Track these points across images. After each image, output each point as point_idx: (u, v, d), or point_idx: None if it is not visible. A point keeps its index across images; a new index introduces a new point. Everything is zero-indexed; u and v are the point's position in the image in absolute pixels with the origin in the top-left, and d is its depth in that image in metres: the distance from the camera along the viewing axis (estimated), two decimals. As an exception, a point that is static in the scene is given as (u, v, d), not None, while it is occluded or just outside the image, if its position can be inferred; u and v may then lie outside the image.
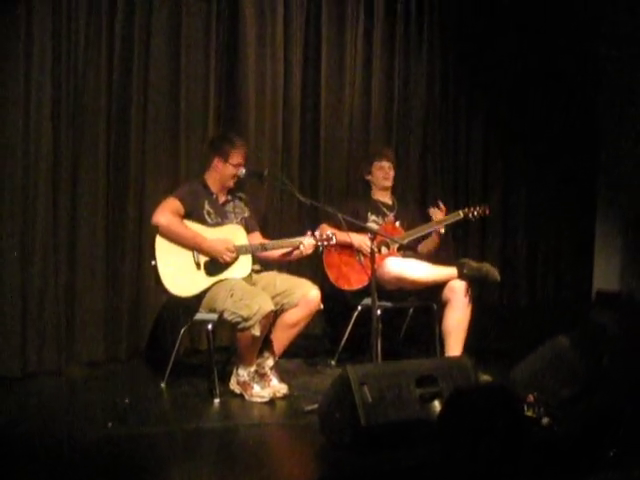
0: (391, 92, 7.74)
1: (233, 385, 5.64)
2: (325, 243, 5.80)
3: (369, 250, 5.70)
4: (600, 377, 4.91)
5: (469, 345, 6.16)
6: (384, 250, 6.45)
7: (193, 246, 5.62)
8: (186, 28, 6.57)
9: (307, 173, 7.37)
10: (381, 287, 6.02)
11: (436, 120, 8.04)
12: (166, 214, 5.60)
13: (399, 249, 6.47)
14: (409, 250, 6.54)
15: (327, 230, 5.94)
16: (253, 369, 5.58)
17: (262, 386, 5.54)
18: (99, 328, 6.28)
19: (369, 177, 6.79)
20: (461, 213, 6.59)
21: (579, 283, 9.03)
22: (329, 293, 6.30)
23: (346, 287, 6.45)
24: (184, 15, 6.55)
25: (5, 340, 5.79)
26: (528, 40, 8.48)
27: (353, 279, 6.43)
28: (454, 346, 6.12)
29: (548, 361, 5.07)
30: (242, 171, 5.86)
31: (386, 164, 6.73)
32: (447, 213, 6.59)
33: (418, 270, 6.24)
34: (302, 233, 5.84)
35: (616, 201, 8.97)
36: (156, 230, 5.61)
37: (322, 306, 5.79)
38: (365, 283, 6.25)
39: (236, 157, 5.85)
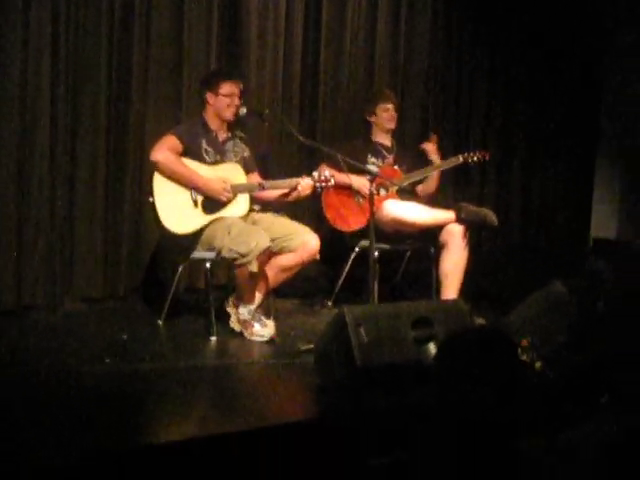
0: (395, 37, 7.73)
1: (233, 323, 5.67)
2: (323, 184, 5.79)
3: (368, 192, 5.71)
4: (594, 323, 4.94)
5: (465, 289, 6.20)
6: (383, 192, 6.45)
7: (190, 184, 5.63)
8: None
9: (307, 114, 7.35)
10: (379, 229, 6.03)
11: (439, 66, 8.02)
12: (164, 151, 5.59)
13: (398, 192, 6.48)
14: (408, 193, 6.55)
15: (326, 171, 5.93)
16: (254, 307, 5.60)
17: (262, 324, 5.57)
18: (98, 264, 6.27)
19: (372, 118, 6.77)
20: (460, 157, 6.61)
21: (576, 230, 9.06)
22: (326, 234, 6.32)
23: (344, 228, 6.48)
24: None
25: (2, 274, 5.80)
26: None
27: (351, 220, 6.45)
28: (450, 289, 6.17)
29: (543, 306, 5.09)
30: (243, 110, 5.84)
31: (391, 106, 6.71)
32: (438, 143, 6.66)
33: (416, 213, 6.26)
34: (301, 174, 5.84)
35: (616, 148, 8.98)
36: (154, 167, 5.61)
37: (318, 257, 5.81)
38: (363, 225, 6.27)
39: (226, 87, 5.80)
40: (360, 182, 6.30)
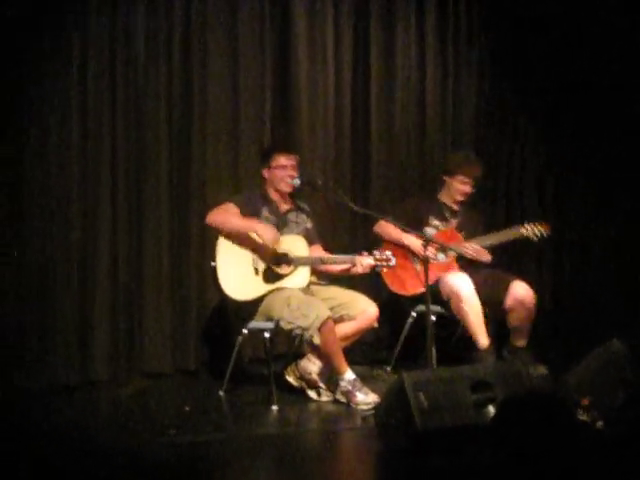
0: (444, 99, 7.70)
1: (338, 395, 5.66)
2: (384, 264, 5.80)
3: (422, 254, 5.76)
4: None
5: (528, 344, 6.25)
6: (441, 257, 6.45)
7: (247, 230, 5.69)
8: (242, 45, 6.67)
9: (359, 181, 7.36)
10: (436, 294, 6.08)
11: (489, 125, 8.01)
12: (219, 213, 5.72)
13: (457, 259, 6.47)
14: (465, 261, 6.50)
15: (387, 251, 5.94)
16: (352, 377, 5.60)
17: (364, 393, 5.56)
18: (166, 338, 6.37)
19: (447, 179, 6.61)
20: (523, 230, 6.50)
21: (635, 286, 8.96)
22: (385, 299, 6.36)
23: (402, 292, 6.45)
24: (239, 34, 6.66)
25: (68, 350, 5.94)
26: (591, 49, 8.37)
27: (408, 284, 6.40)
28: (520, 339, 6.35)
29: (603, 365, 5.07)
30: (296, 181, 5.90)
31: (469, 181, 6.55)
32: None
33: (475, 304, 6.26)
34: (355, 244, 5.89)
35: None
36: (211, 229, 5.73)
37: (377, 324, 5.86)
38: (420, 290, 6.18)
39: (277, 160, 5.89)
40: (417, 245, 6.27)
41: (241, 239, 5.73)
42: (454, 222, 6.62)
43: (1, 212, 5.80)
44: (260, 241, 5.69)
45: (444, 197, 6.65)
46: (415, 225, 6.27)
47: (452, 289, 6.23)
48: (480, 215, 6.90)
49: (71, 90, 5.95)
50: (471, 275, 6.32)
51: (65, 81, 5.93)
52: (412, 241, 6.33)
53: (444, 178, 6.63)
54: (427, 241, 5.76)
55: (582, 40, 8.21)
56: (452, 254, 6.41)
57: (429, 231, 6.43)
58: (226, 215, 5.72)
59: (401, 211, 6.51)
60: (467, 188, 6.54)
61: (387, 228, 6.39)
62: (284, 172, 5.88)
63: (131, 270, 6.25)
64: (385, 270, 6.01)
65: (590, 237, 8.64)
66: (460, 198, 6.57)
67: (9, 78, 5.72)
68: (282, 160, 5.89)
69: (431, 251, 6.12)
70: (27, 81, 5.80)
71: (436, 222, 6.58)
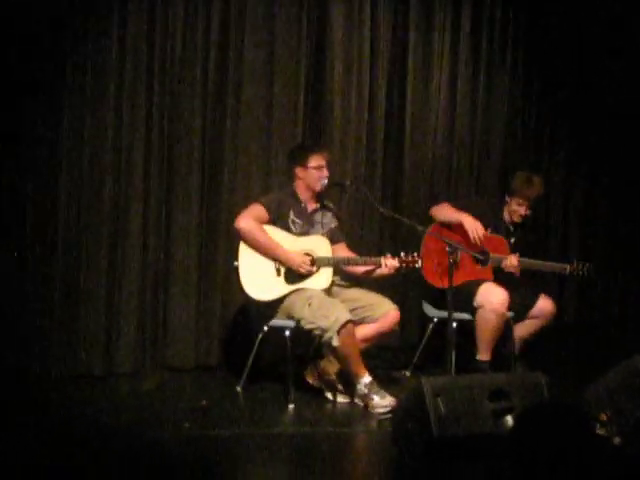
0: (474, 110, 7.71)
1: (356, 397, 5.66)
2: (410, 265, 5.80)
3: (473, 238, 6.04)
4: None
5: (543, 361, 6.20)
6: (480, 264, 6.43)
7: (270, 254, 5.70)
8: (278, 41, 6.68)
9: (390, 186, 7.36)
10: (466, 296, 6.11)
11: (517, 142, 8.00)
12: (248, 219, 5.68)
13: (494, 270, 6.40)
14: (500, 273, 6.44)
15: (415, 253, 5.88)
16: (368, 380, 5.59)
17: (381, 396, 5.56)
18: (190, 334, 6.43)
19: (508, 198, 6.59)
20: (568, 268, 6.48)
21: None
22: (408, 303, 6.36)
23: (429, 279, 6.39)
24: (276, 30, 6.67)
25: (93, 340, 6.00)
26: (620, 70, 8.35)
27: (439, 276, 6.32)
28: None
29: (623, 380, 5.03)
30: (325, 181, 5.90)
31: (525, 204, 6.50)
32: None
33: (501, 322, 6.26)
34: (381, 246, 5.88)
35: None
36: (238, 233, 5.71)
37: (398, 328, 5.85)
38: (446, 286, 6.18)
39: (315, 160, 5.87)
40: (473, 226, 6.29)
41: (263, 253, 5.74)
42: (510, 240, 6.57)
43: (36, 195, 5.85)
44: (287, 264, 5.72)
45: (505, 214, 6.62)
46: None
47: (490, 300, 6.20)
48: (536, 242, 6.92)
49: (109, 77, 5.99)
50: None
51: (103, 68, 5.97)
52: (469, 220, 6.32)
53: (506, 197, 6.61)
54: (454, 248, 5.67)
55: (617, 54, 8.19)
56: (491, 263, 6.38)
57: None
58: (255, 227, 5.68)
59: (466, 206, 6.52)
60: (522, 210, 6.51)
61: (445, 208, 6.38)
62: (321, 173, 5.87)
63: (159, 265, 6.31)
64: (417, 267, 5.90)
65: (614, 253, 8.63)
66: (516, 220, 6.56)
67: (49, 59, 5.79)
68: (320, 160, 5.88)
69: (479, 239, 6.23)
70: (67, 62, 5.86)
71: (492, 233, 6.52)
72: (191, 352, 6.44)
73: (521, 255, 6.44)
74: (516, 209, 6.52)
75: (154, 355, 6.30)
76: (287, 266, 5.71)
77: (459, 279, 6.05)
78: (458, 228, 6.39)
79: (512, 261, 6.33)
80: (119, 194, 6.07)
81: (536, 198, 6.56)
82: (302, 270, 5.68)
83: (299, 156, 5.95)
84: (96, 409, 5.32)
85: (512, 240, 6.56)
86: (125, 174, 6.09)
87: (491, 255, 6.36)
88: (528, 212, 6.54)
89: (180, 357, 6.40)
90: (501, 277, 6.40)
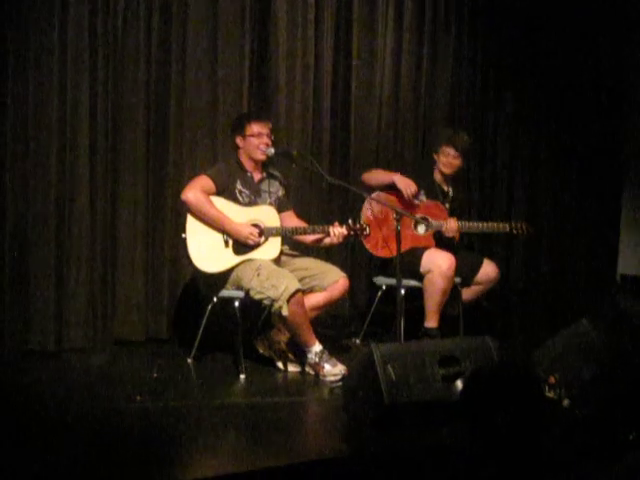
0: (419, 78, 7.77)
1: (306, 367, 5.68)
2: (358, 232, 5.82)
3: (407, 194, 6.10)
4: (622, 360, 4.94)
5: (492, 326, 6.25)
6: (421, 230, 6.45)
7: (218, 227, 5.68)
8: (222, 12, 6.62)
9: (337, 156, 7.39)
10: (412, 264, 6.13)
11: (463, 104, 8.07)
12: (195, 191, 5.65)
13: (435, 235, 6.46)
14: (442, 238, 6.49)
15: (373, 207, 5.93)
16: (319, 349, 5.61)
17: (332, 364, 5.58)
18: (139, 308, 6.39)
19: (435, 156, 6.63)
20: (507, 227, 6.52)
21: (603, 268, 9.05)
22: (356, 271, 6.38)
23: (373, 251, 6.46)
24: (220, 2, 6.61)
25: (41, 316, 5.92)
26: (560, 34, 8.47)
27: (381, 246, 6.41)
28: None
29: (570, 343, 5.10)
30: (270, 150, 5.83)
31: (452, 152, 6.52)
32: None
33: (449, 287, 6.32)
34: (329, 215, 5.88)
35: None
36: (185, 206, 5.68)
37: (347, 296, 5.87)
38: (391, 255, 6.27)
39: (253, 128, 5.81)
40: (406, 184, 6.33)
41: (211, 225, 5.72)
42: (446, 204, 6.61)
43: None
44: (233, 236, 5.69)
45: (437, 178, 6.64)
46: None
47: (437, 264, 6.25)
48: (471, 201, 6.94)
49: (53, 46, 5.87)
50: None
51: (46, 38, 5.85)
52: (400, 177, 6.36)
53: (434, 157, 6.64)
54: (400, 215, 5.69)
55: (557, 23, 8.32)
56: (431, 229, 6.41)
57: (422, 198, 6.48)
58: (202, 200, 5.63)
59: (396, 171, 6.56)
60: (450, 159, 6.53)
61: (376, 173, 6.39)
62: (258, 140, 5.82)
63: (106, 238, 6.23)
64: (366, 235, 5.92)
65: (561, 219, 8.75)
66: (447, 171, 6.57)
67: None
68: (256, 128, 5.83)
69: (418, 198, 6.27)
70: (8, 29, 5.72)
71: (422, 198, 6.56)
72: (141, 325, 6.41)
73: (459, 218, 6.50)
74: (443, 158, 6.54)
75: (104, 329, 6.23)
76: (234, 238, 5.69)
77: (401, 247, 6.07)
78: (394, 194, 6.43)
79: (451, 224, 6.37)
80: (65, 170, 5.98)
81: (463, 146, 6.55)
82: (250, 242, 5.67)
83: (238, 125, 5.91)
84: (49, 384, 5.28)
85: (447, 205, 6.60)
86: (70, 148, 5.99)
87: (430, 220, 6.39)
88: (458, 161, 6.56)
89: (130, 331, 6.36)
90: (442, 244, 6.46)
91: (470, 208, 6.87)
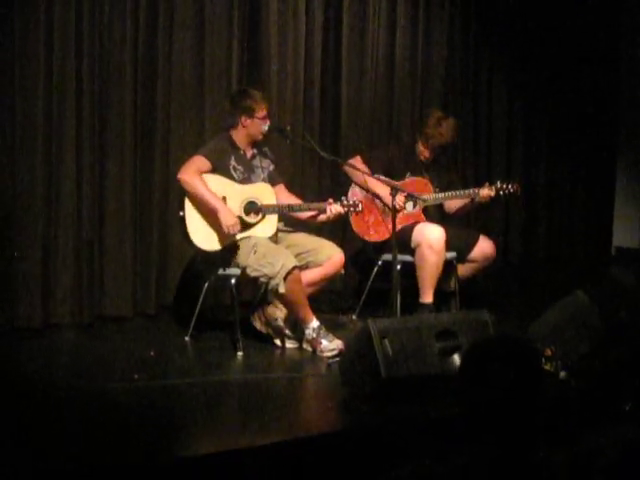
0: (414, 53, 7.78)
1: (304, 343, 5.68)
2: (352, 209, 5.84)
3: (391, 205, 5.78)
4: (618, 332, 4.95)
5: (488, 299, 6.26)
6: (410, 208, 6.45)
7: (207, 207, 5.64)
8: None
9: (328, 131, 7.39)
10: (402, 242, 6.09)
11: (458, 81, 8.08)
12: (190, 172, 5.64)
13: (424, 209, 6.47)
14: (436, 212, 6.53)
15: (354, 197, 5.95)
16: (316, 325, 5.61)
17: (329, 340, 5.58)
18: (127, 283, 6.36)
19: (417, 137, 6.62)
20: (493, 188, 6.43)
21: (599, 240, 9.08)
22: (352, 246, 6.39)
23: (365, 237, 6.48)
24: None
25: (28, 292, 5.88)
26: (555, 11, 8.48)
27: (372, 230, 6.41)
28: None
29: (566, 316, 5.12)
30: (264, 127, 5.84)
31: (428, 149, 6.53)
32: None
33: (441, 259, 6.27)
34: (323, 191, 5.88)
35: (637, 159, 8.99)
36: (180, 185, 5.67)
37: (343, 271, 5.87)
38: (382, 238, 6.35)
39: (261, 110, 5.81)
40: (386, 194, 6.14)
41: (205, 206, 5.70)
42: (427, 175, 6.58)
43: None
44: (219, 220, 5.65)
45: (420, 152, 6.59)
46: (389, 174, 6.31)
47: (426, 236, 6.22)
48: (455, 174, 6.94)
49: (38, 29, 5.83)
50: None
51: (31, 21, 5.82)
52: (381, 190, 6.28)
53: (416, 135, 6.64)
54: (395, 190, 5.73)
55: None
56: (421, 205, 6.40)
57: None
58: (198, 180, 5.61)
59: (376, 157, 6.53)
60: (426, 153, 6.54)
61: (356, 174, 6.36)
62: (265, 122, 5.82)
63: (94, 213, 6.19)
64: (353, 215, 6.03)
65: (556, 194, 8.79)
66: (422, 159, 6.56)
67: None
68: (265, 110, 5.84)
69: (399, 201, 6.07)
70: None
71: (408, 173, 6.54)
72: (129, 301, 6.38)
73: (442, 186, 6.53)
74: (422, 150, 6.55)
75: (91, 305, 6.21)
76: (219, 223, 5.65)
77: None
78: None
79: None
80: (52, 145, 5.95)
81: (453, 127, 6.53)
82: (228, 232, 5.62)
83: (247, 106, 5.83)
84: (38, 362, 5.28)
85: (430, 174, 6.60)
86: (57, 124, 5.96)
87: (417, 195, 6.37)
88: (429, 156, 6.56)
89: (118, 306, 6.33)
90: (434, 219, 6.47)
91: (454, 183, 6.82)
